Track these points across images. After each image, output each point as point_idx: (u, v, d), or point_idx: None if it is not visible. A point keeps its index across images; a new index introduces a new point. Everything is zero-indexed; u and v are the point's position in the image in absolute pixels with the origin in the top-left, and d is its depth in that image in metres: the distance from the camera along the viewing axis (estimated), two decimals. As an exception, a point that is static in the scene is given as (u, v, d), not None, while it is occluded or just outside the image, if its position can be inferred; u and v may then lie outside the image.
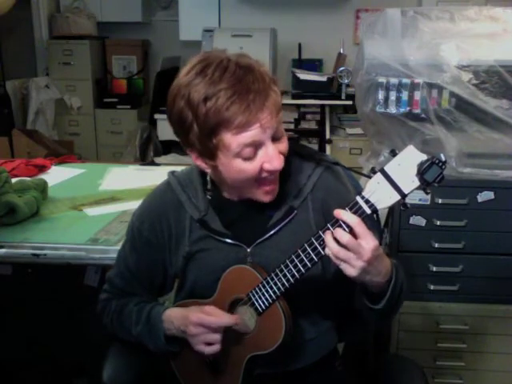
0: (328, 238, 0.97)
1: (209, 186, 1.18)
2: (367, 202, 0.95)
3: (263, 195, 1.10)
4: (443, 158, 0.89)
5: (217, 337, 1.10)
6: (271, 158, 1.03)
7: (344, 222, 0.96)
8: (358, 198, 0.96)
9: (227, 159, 1.04)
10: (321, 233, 0.99)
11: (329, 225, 0.98)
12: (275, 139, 1.05)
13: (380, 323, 1.15)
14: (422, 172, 0.89)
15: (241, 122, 0.98)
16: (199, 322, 1.09)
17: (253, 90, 0.99)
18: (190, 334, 1.11)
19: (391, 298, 1.05)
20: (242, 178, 1.06)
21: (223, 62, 1.02)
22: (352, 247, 0.95)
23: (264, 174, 1.05)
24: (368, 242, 0.95)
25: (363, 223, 0.96)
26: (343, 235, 0.95)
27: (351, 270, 0.97)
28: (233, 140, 1.01)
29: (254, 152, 1.03)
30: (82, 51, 4.72)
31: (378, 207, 0.95)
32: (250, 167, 1.04)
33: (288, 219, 1.14)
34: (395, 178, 0.92)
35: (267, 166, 1.04)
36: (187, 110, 1.02)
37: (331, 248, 0.96)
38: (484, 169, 1.81)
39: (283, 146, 1.07)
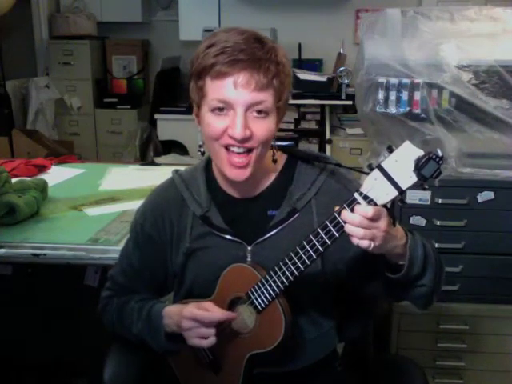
0: (347, 214, 0.94)
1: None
2: (366, 198, 0.94)
3: (230, 168, 1.08)
4: (440, 154, 0.89)
5: (210, 331, 1.09)
6: (235, 124, 1.03)
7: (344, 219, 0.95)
8: (356, 195, 0.95)
9: (204, 111, 1.07)
10: (319, 230, 0.99)
11: (327, 222, 0.98)
12: (257, 113, 1.04)
13: (407, 295, 1.08)
14: (419, 168, 0.88)
15: (219, 70, 1.02)
16: (191, 316, 1.09)
17: (247, 51, 1.02)
18: (183, 328, 1.11)
19: (412, 258, 1.02)
20: (209, 134, 1.07)
21: (247, 31, 1.06)
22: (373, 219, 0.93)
23: (226, 138, 1.05)
24: (380, 210, 0.93)
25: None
26: (368, 209, 0.92)
27: (377, 241, 0.94)
28: (210, 88, 1.04)
29: (224, 111, 1.05)
30: (82, 51, 4.71)
31: (377, 203, 0.95)
32: (215, 123, 1.05)
33: (290, 220, 1.14)
34: (392, 174, 0.91)
35: (229, 131, 1.04)
36: (196, 57, 1.07)
37: (358, 223, 0.93)
38: (484, 169, 1.81)
39: (263, 127, 1.05)
